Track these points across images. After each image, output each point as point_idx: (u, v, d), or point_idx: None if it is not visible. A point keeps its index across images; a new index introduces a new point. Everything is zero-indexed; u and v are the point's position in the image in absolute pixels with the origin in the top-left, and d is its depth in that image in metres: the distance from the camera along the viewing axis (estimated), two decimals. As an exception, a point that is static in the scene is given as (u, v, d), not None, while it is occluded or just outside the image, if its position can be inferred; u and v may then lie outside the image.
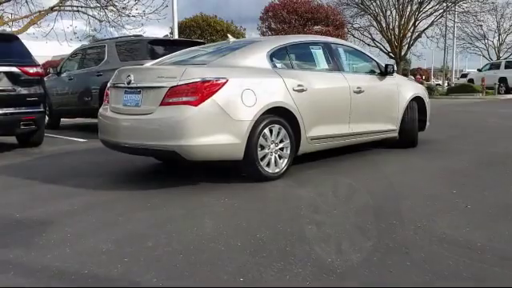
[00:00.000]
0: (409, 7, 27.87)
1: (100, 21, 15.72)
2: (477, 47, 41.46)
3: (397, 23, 28.16)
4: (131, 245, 2.85)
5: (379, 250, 2.69)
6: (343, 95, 5.25)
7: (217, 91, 4.08)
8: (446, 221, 3.21)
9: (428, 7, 27.92)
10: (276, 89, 4.54)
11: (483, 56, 42.20)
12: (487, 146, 6.68)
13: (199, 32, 16.00)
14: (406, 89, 6.24)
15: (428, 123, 6.72)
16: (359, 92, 5.41)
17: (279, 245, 2.79)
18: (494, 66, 26.59)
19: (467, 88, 24.67)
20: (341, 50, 5.61)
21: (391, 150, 6.11)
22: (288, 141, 4.62)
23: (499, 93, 23.50)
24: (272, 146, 4.49)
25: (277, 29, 18.96)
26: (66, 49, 19.27)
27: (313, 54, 5.25)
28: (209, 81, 4.08)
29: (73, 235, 3.04)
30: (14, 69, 6.32)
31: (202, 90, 4.03)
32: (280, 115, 4.53)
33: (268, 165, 4.46)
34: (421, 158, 5.69)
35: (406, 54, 30.05)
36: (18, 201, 3.97)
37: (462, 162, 5.36)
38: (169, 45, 8.21)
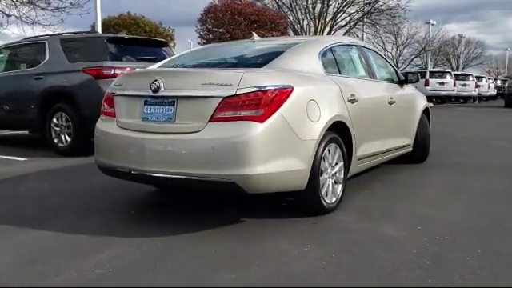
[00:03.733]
0: (321, 16, 28.34)
1: (8, 15, 13.49)
2: (378, 57, 43.99)
3: (312, 33, 28.49)
4: None
5: None
6: (382, 106, 4.57)
7: (283, 103, 3.14)
8: None
9: (341, 18, 28.72)
10: (335, 99, 3.70)
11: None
12: (485, 158, 6.42)
13: (126, 32, 14.45)
14: (419, 99, 5.74)
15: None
16: (392, 103, 4.76)
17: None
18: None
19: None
20: (370, 55, 4.90)
21: (408, 166, 5.57)
22: (342, 163, 3.79)
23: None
24: (329, 170, 3.64)
25: (218, 32, 17.80)
26: None
27: (353, 59, 4.49)
28: (274, 90, 3.11)
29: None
30: None
31: (268, 102, 3.06)
32: (336, 132, 3.69)
33: (326, 193, 3.60)
34: (446, 175, 5.17)
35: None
36: (2, 263, 2.67)
37: (493, 179, 4.94)
38: (130, 44, 6.90)
